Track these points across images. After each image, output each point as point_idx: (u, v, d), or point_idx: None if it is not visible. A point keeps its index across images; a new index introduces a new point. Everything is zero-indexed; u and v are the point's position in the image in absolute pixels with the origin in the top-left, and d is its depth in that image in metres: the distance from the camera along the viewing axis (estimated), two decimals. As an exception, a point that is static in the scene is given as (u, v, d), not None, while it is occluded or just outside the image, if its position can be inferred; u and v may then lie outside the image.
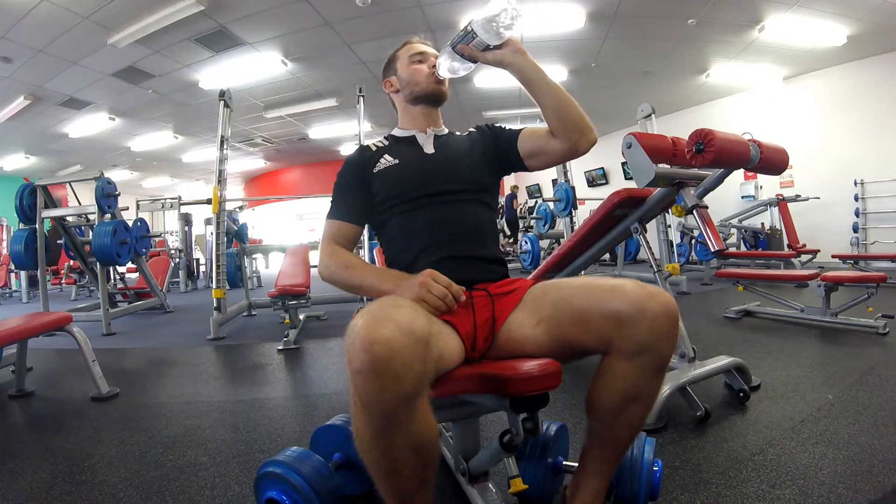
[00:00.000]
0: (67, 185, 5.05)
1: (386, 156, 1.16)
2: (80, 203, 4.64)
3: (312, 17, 4.55)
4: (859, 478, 1.16)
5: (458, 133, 1.26)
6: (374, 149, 1.19)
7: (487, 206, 1.17)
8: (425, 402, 0.71)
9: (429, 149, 1.18)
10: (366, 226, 1.21)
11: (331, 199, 1.17)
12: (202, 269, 8.84)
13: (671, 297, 0.85)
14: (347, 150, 9.83)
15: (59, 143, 7.86)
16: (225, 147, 3.79)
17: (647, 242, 1.90)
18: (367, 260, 4.35)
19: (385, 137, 1.24)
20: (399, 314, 0.70)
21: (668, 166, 1.67)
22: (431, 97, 1.19)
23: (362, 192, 1.14)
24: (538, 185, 11.69)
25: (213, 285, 3.78)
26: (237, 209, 8.89)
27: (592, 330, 0.86)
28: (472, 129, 1.26)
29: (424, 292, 0.88)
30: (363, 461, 0.74)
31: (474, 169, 1.16)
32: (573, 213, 4.70)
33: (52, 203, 4.13)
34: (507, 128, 1.21)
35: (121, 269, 5.51)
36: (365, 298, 4.12)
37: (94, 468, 1.41)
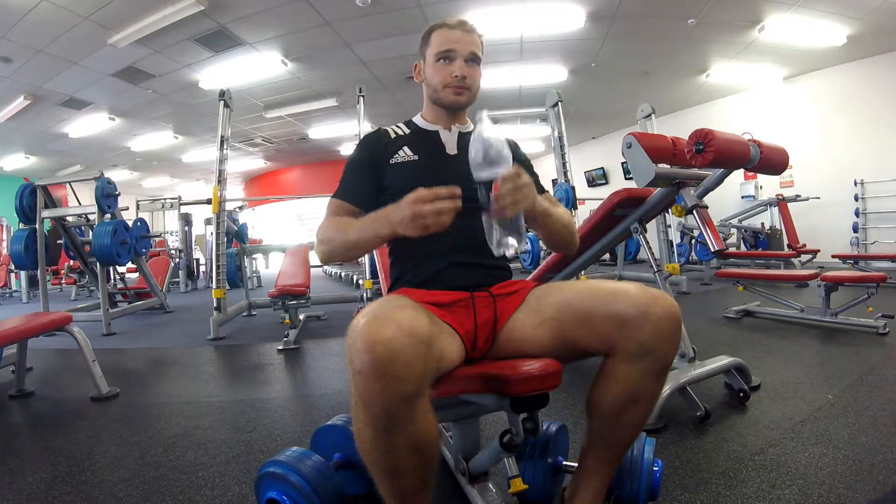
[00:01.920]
0: (67, 185, 5.05)
1: (406, 148, 1.10)
2: (80, 203, 4.64)
3: (312, 17, 4.54)
4: (859, 478, 1.16)
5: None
6: (392, 135, 1.14)
7: None
8: (426, 403, 0.71)
9: (451, 149, 1.13)
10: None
11: (343, 174, 1.11)
12: (202, 269, 8.85)
13: (674, 301, 0.86)
14: (347, 150, 9.81)
15: (59, 143, 7.86)
16: (225, 147, 3.79)
17: (647, 242, 1.90)
18: (366, 260, 4.34)
19: (406, 124, 1.17)
20: (401, 314, 0.70)
21: (668, 166, 1.67)
22: (450, 108, 1.13)
23: (372, 178, 1.09)
24: (538, 185, 11.67)
25: (213, 285, 3.78)
26: (237, 209, 8.90)
27: (595, 331, 0.86)
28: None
29: (419, 218, 0.82)
30: (364, 461, 0.74)
31: None
32: (573, 213, 4.69)
33: (52, 203, 4.13)
34: (531, 171, 1.17)
35: (121, 269, 5.51)
36: (365, 297, 4.12)
37: (94, 468, 1.41)
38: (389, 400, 0.66)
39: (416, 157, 1.09)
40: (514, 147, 1.22)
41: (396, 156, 1.09)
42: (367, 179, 1.09)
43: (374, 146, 1.11)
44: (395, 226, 0.87)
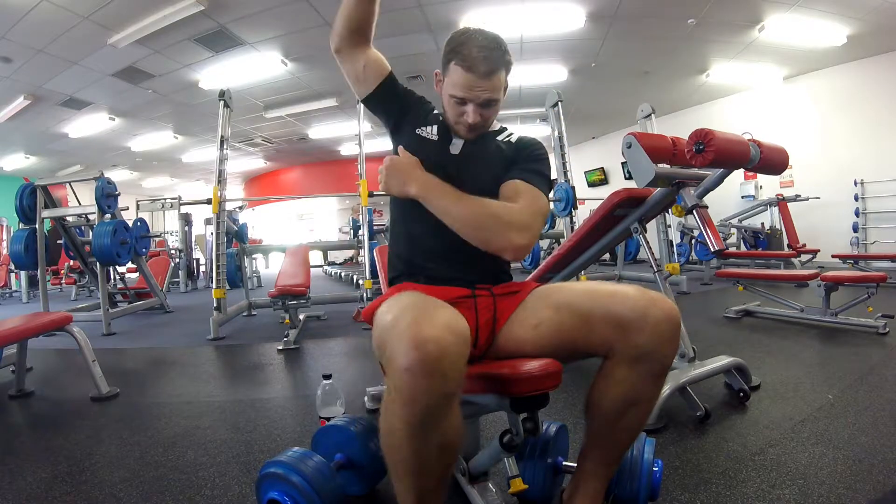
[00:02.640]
0: (67, 185, 5.04)
1: (436, 127, 1.09)
2: (80, 203, 4.64)
3: (312, 17, 4.54)
4: (859, 478, 1.16)
5: (497, 136, 1.13)
6: (434, 112, 1.13)
7: None
8: (458, 401, 0.73)
9: (455, 149, 1.09)
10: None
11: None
12: (202, 269, 8.84)
13: (673, 304, 0.86)
14: (347, 150, 9.81)
15: (59, 143, 7.86)
16: (225, 147, 3.79)
17: (647, 242, 1.89)
18: (366, 260, 4.34)
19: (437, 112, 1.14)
20: (442, 313, 0.71)
21: (668, 166, 1.67)
22: (461, 136, 1.09)
23: (396, 100, 1.11)
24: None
25: (213, 285, 3.77)
26: (237, 209, 8.89)
27: (594, 334, 0.86)
28: (512, 140, 1.13)
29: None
30: (388, 460, 0.75)
31: (494, 182, 1.06)
32: (573, 213, 4.69)
33: (52, 203, 4.13)
34: (525, 161, 1.09)
35: (121, 269, 5.51)
36: (365, 297, 4.11)
37: (94, 468, 1.41)
38: (434, 397, 0.67)
39: (436, 138, 1.09)
40: (526, 144, 1.13)
41: (422, 129, 1.09)
42: (394, 88, 1.10)
43: (420, 105, 1.13)
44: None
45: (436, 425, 0.69)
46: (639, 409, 0.87)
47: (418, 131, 1.09)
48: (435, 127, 1.10)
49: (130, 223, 4.33)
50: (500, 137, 1.13)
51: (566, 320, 0.90)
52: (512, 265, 1.13)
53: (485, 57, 0.97)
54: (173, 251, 8.24)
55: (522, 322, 0.96)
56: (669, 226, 4.57)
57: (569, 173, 4.80)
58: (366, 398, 1.84)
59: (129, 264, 5.11)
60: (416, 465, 0.73)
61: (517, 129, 1.17)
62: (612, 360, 0.86)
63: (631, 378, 0.84)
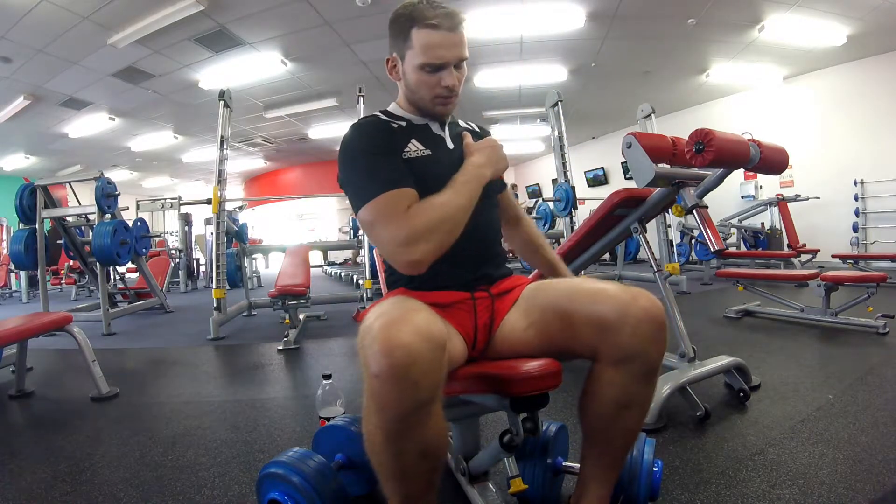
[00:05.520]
0: (67, 185, 5.05)
1: (415, 141, 0.98)
2: (80, 203, 4.64)
3: (312, 17, 4.54)
4: (859, 477, 1.16)
5: (469, 128, 1.13)
6: (395, 126, 0.99)
7: (497, 207, 1.12)
8: (438, 407, 0.71)
9: (450, 143, 1.04)
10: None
11: (360, 173, 0.91)
12: (202, 269, 8.84)
13: (655, 300, 0.82)
14: (347, 150, 9.79)
15: (59, 143, 7.85)
16: (225, 147, 3.79)
17: (647, 242, 1.89)
18: (366, 261, 4.34)
19: (389, 115, 1.03)
20: (418, 317, 0.69)
21: (668, 166, 1.67)
22: (434, 118, 1.03)
23: (401, 162, 0.94)
24: (538, 184, 11.69)
25: (213, 285, 3.78)
26: (237, 209, 8.90)
27: (578, 336, 0.84)
28: (477, 129, 1.14)
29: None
30: (371, 463, 0.74)
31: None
32: (573, 213, 4.70)
33: (52, 203, 4.13)
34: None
35: (121, 269, 5.51)
36: (365, 297, 4.11)
37: (94, 468, 1.41)
38: (405, 405, 0.66)
39: (428, 153, 0.98)
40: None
41: (408, 150, 0.97)
42: (400, 162, 0.93)
43: (386, 133, 0.97)
44: (485, 166, 0.94)
45: (411, 432, 0.68)
46: (632, 411, 0.85)
47: (406, 154, 0.96)
48: (412, 140, 0.98)
49: (130, 223, 4.33)
50: (463, 125, 1.13)
51: (552, 322, 0.88)
52: (512, 265, 1.12)
53: (445, 13, 0.92)
54: (173, 251, 8.24)
55: (514, 323, 0.95)
56: (669, 226, 4.58)
57: (569, 173, 4.81)
58: (366, 398, 1.84)
59: (129, 264, 5.12)
60: (396, 470, 0.72)
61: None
62: (598, 362, 0.84)
63: (619, 380, 0.82)
